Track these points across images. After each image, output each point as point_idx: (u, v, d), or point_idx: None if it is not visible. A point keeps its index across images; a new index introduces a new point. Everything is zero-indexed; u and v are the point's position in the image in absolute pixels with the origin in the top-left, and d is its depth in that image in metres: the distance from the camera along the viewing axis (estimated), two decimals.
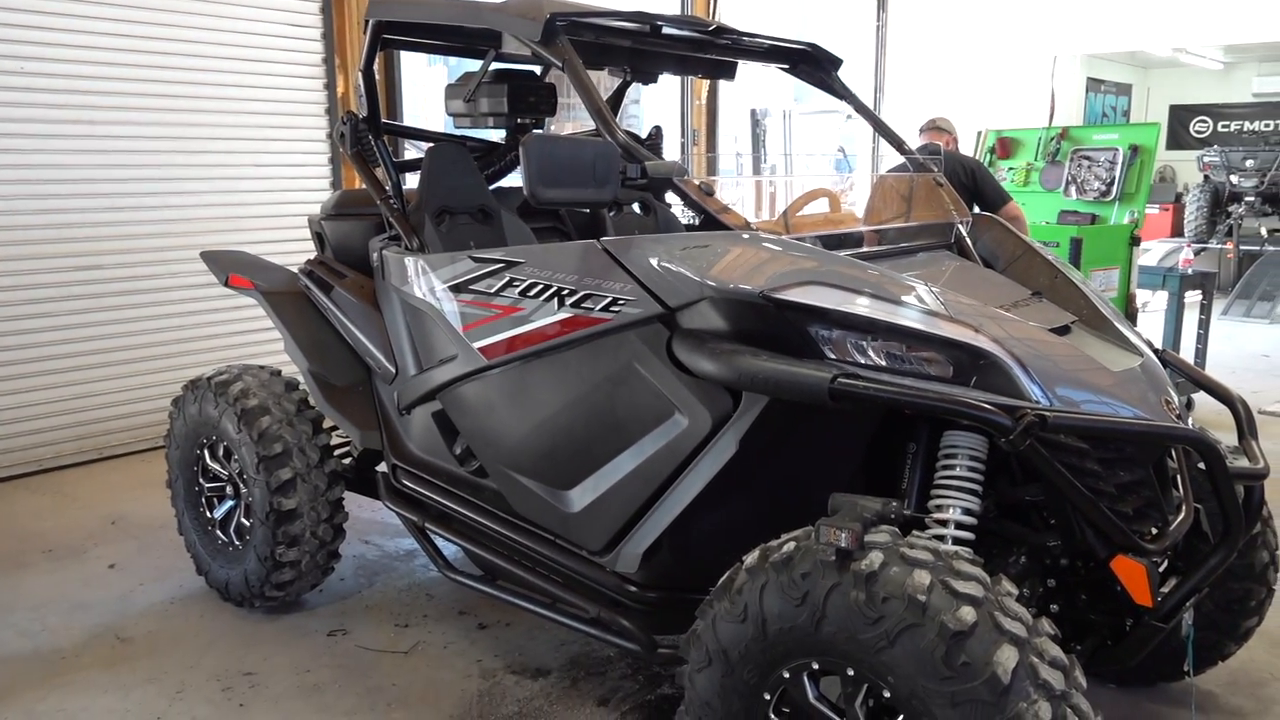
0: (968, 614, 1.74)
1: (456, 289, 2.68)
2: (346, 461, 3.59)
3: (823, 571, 1.88)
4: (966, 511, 2.21)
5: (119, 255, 5.41)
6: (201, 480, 3.65)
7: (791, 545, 1.98)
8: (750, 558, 2.04)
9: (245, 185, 5.84)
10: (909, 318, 2.10)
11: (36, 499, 4.83)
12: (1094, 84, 15.17)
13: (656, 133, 4.05)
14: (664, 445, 2.32)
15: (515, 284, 2.51)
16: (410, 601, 3.64)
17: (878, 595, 1.81)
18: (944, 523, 2.20)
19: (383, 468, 3.30)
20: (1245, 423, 2.40)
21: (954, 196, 3.09)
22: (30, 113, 4.98)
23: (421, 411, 3.05)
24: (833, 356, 2.14)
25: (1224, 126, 16.51)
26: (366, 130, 3.19)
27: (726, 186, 2.67)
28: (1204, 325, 6.20)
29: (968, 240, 2.96)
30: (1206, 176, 12.77)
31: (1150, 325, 6.84)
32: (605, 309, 2.33)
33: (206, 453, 3.59)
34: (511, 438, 2.62)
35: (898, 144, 3.33)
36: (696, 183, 2.32)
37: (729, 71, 3.40)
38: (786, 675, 1.99)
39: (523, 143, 2.11)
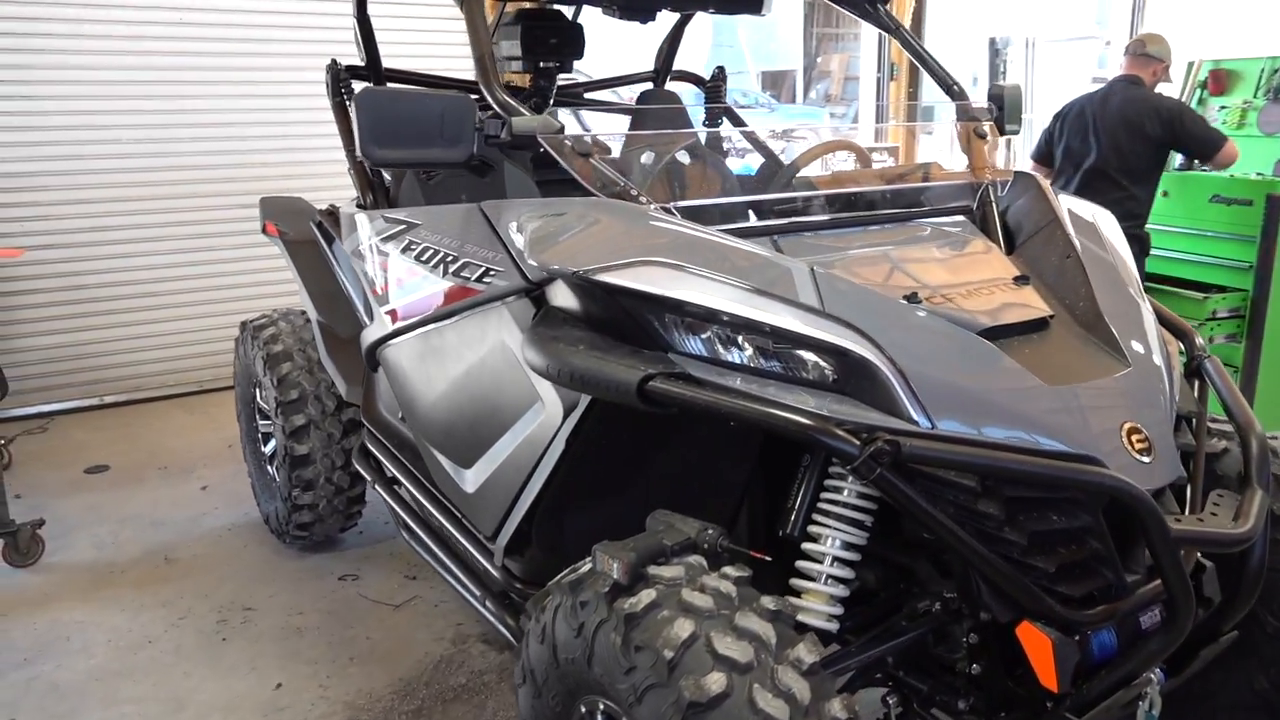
0: (715, 683, 1.43)
1: (371, 250, 2.57)
2: None
3: (596, 604, 1.63)
4: (847, 545, 1.84)
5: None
6: (257, 418, 3.83)
7: (587, 566, 1.72)
8: (565, 573, 1.81)
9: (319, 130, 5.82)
10: (759, 308, 1.73)
11: (184, 417, 5.32)
12: None
13: (719, 74, 3.69)
14: (530, 432, 2.10)
15: (413, 248, 2.35)
16: None
17: (633, 642, 1.53)
18: (819, 556, 1.84)
19: None
20: (1256, 464, 1.80)
21: (984, 152, 2.57)
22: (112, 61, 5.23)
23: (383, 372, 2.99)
24: (692, 350, 1.82)
25: None
26: (349, 78, 3.12)
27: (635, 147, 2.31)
28: None
29: (994, 205, 2.44)
30: None
31: None
32: (479, 279, 2.13)
33: (258, 392, 3.75)
34: (420, 408, 2.50)
35: (947, 86, 2.80)
36: (569, 143, 2.02)
37: (753, 5, 2.98)
38: (584, 710, 1.76)
39: (355, 99, 1.94)
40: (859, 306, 1.78)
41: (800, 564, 1.85)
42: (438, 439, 2.47)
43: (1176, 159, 4.80)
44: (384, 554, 3.67)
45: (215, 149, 5.55)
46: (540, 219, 1.98)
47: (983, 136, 2.64)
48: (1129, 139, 4.30)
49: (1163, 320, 2.25)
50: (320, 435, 3.39)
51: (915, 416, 1.66)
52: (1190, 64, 5.32)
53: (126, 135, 5.32)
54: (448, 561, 2.53)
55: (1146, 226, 4.38)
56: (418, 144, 1.95)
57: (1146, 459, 1.71)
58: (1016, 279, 2.09)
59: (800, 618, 1.84)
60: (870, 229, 2.28)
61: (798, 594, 1.84)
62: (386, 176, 3.01)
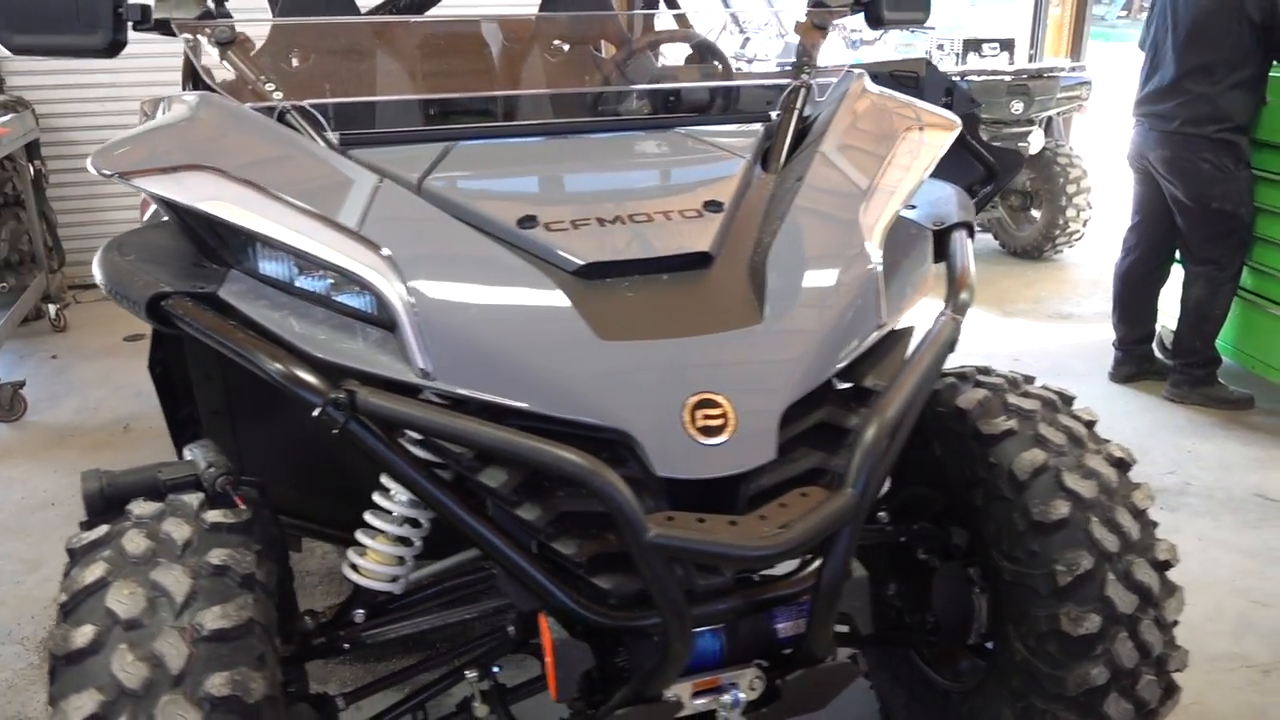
0: (81, 636, 1.31)
1: None
2: None
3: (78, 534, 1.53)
4: (415, 503, 1.63)
5: None
6: None
7: None
8: None
9: None
10: (281, 223, 1.50)
11: None
12: None
13: None
14: None
15: None
16: None
17: (67, 587, 1.43)
18: (389, 512, 1.65)
19: None
20: (858, 460, 1.37)
21: (812, 48, 2.14)
22: None
23: None
24: (272, 274, 1.62)
25: None
26: None
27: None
28: None
29: (794, 113, 2.03)
30: None
31: None
32: None
33: None
34: None
35: None
36: (208, 31, 1.82)
37: None
38: None
39: None
40: (409, 231, 1.53)
41: (368, 516, 1.67)
42: None
43: None
44: None
45: None
46: (163, 112, 1.83)
47: (820, 27, 2.20)
48: (1215, 24, 3.52)
49: (953, 268, 1.82)
50: None
51: (420, 364, 1.42)
52: None
53: None
54: None
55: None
56: (52, 29, 1.83)
57: (712, 440, 1.37)
58: (708, 204, 1.72)
59: (355, 577, 1.67)
60: (590, 137, 1.97)
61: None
62: None
